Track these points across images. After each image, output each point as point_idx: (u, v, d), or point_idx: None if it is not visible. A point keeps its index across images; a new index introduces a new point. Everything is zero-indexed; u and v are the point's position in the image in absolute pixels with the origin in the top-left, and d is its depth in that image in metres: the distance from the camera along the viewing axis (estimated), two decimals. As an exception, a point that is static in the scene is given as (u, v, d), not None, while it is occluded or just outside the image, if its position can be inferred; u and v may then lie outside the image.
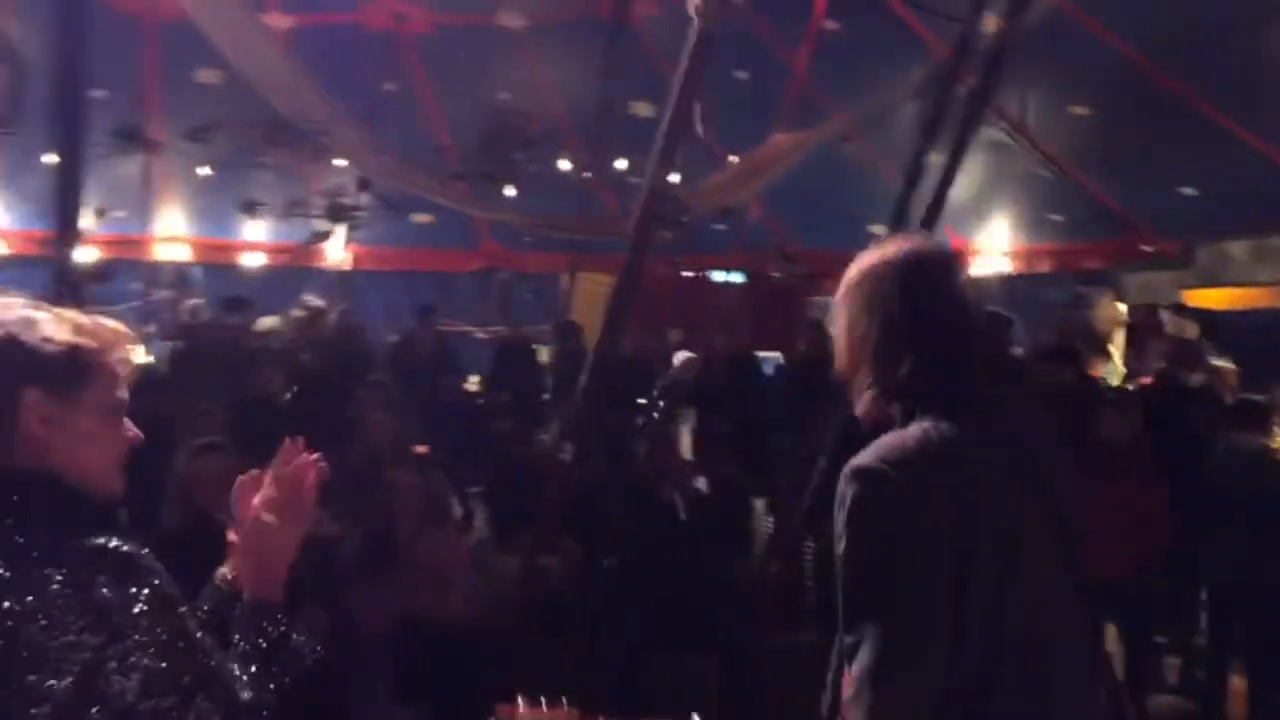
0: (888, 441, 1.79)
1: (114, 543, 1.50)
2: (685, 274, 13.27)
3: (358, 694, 3.56)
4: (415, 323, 9.73)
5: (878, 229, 6.08)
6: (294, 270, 12.71)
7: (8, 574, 1.41)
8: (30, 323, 1.54)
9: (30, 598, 1.40)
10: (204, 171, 9.21)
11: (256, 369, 7.91)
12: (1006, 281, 10.73)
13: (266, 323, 11.33)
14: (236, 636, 1.68)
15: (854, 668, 1.70)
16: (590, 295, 13.42)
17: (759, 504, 6.50)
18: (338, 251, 13.76)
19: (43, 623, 1.39)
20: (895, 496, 1.72)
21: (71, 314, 1.61)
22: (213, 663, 1.52)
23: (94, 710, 1.38)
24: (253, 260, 13.30)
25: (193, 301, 10.99)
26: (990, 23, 5.33)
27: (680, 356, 8.21)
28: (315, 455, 1.88)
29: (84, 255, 12.07)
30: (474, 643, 3.84)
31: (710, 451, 7.90)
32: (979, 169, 9.12)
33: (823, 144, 8.61)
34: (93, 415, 1.57)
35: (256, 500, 1.79)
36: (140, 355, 10.97)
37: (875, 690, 1.66)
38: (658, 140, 3.69)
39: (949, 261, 1.97)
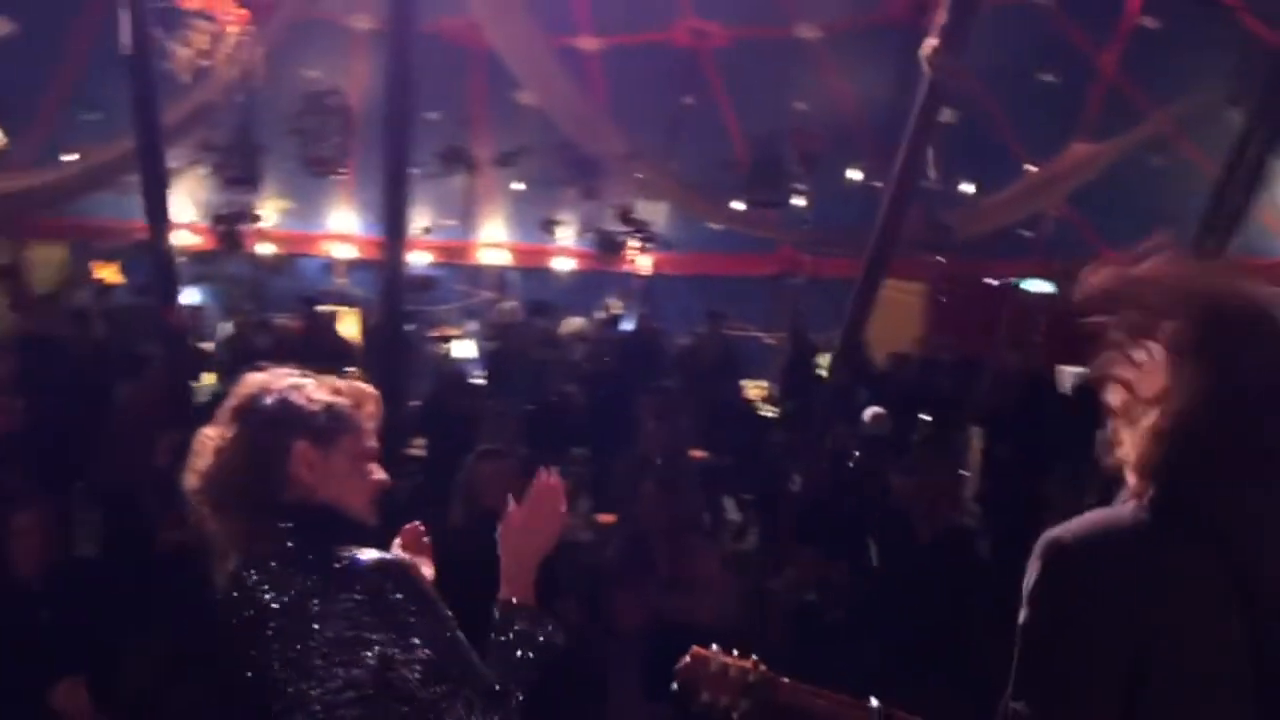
0: (1093, 518, 1.65)
1: (393, 556, 1.85)
2: (990, 282, 12.81)
3: (609, 690, 3.89)
4: (701, 327, 10.05)
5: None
6: (601, 275, 13.38)
7: (308, 586, 1.77)
8: (297, 387, 1.92)
9: (327, 603, 1.75)
10: (518, 186, 10.06)
11: (557, 369, 8.59)
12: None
13: (573, 324, 12.18)
14: (493, 632, 1.94)
15: None
16: (888, 302, 13.27)
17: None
18: (641, 257, 14.47)
19: (342, 622, 1.74)
20: (1078, 576, 1.59)
21: (330, 379, 1.98)
22: (472, 657, 1.82)
23: (387, 696, 1.72)
24: (564, 265, 14.29)
25: (507, 304, 11.93)
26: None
27: (870, 413, 7.92)
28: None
29: (417, 260, 13.57)
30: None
31: (991, 479, 7.67)
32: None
33: (1125, 153, 8.07)
34: (346, 460, 1.92)
35: (513, 509, 2.05)
36: (466, 349, 12.18)
37: None
38: (889, 185, 3.73)
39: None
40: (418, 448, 6.89)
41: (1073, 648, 1.59)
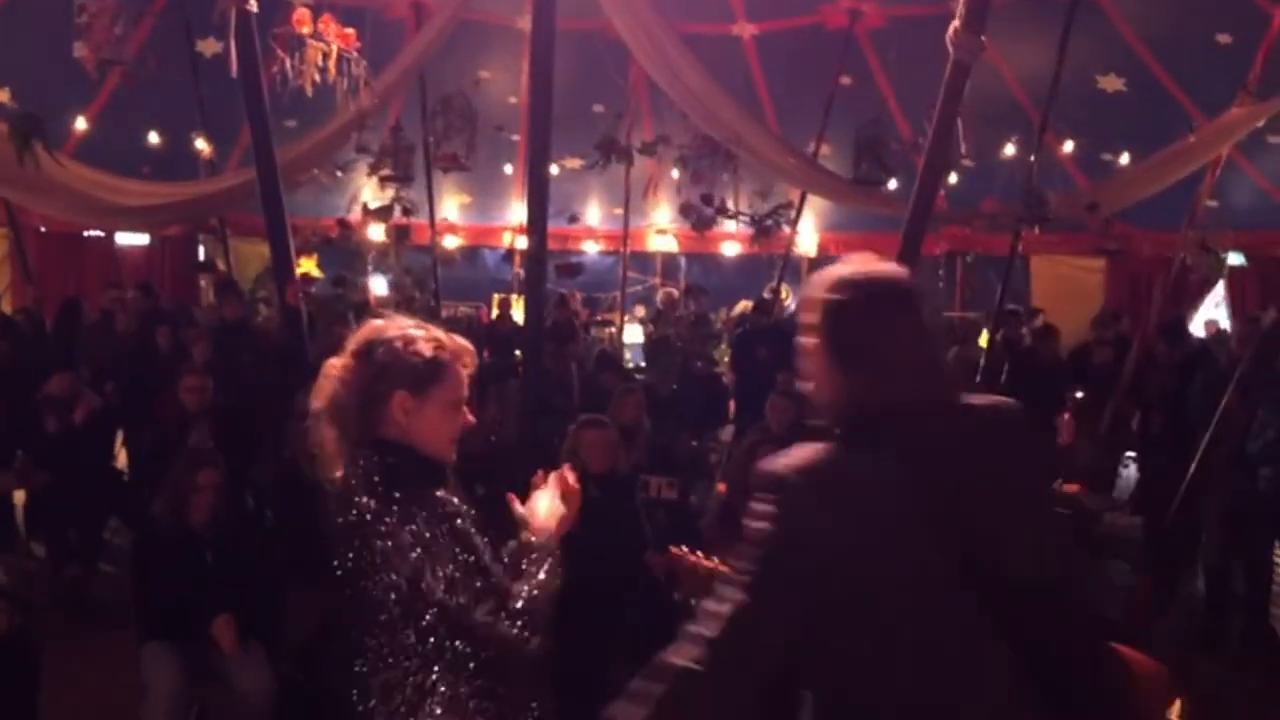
0: (800, 454, 1.84)
1: (440, 494, 2.21)
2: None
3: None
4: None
5: None
6: (768, 257, 13.49)
7: (374, 508, 2.14)
8: (408, 340, 2.26)
9: (389, 522, 2.12)
10: (674, 174, 10.35)
11: (703, 352, 8.89)
12: None
13: (740, 306, 12.43)
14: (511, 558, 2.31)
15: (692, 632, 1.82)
16: (1052, 277, 12.87)
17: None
18: (806, 240, 14.52)
19: (393, 543, 2.11)
20: (791, 500, 1.79)
21: (436, 331, 2.32)
22: (494, 578, 2.18)
23: (419, 600, 2.10)
24: (730, 249, 14.52)
25: (666, 290, 12.27)
26: None
27: None
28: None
29: (588, 248, 14.07)
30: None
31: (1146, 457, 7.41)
32: None
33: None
34: (437, 408, 2.26)
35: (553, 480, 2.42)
36: (634, 333, 12.65)
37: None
38: (924, 158, 3.81)
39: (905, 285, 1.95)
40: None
41: (778, 557, 1.78)
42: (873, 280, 1.93)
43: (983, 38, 4.47)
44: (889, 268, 1.97)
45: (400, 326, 2.29)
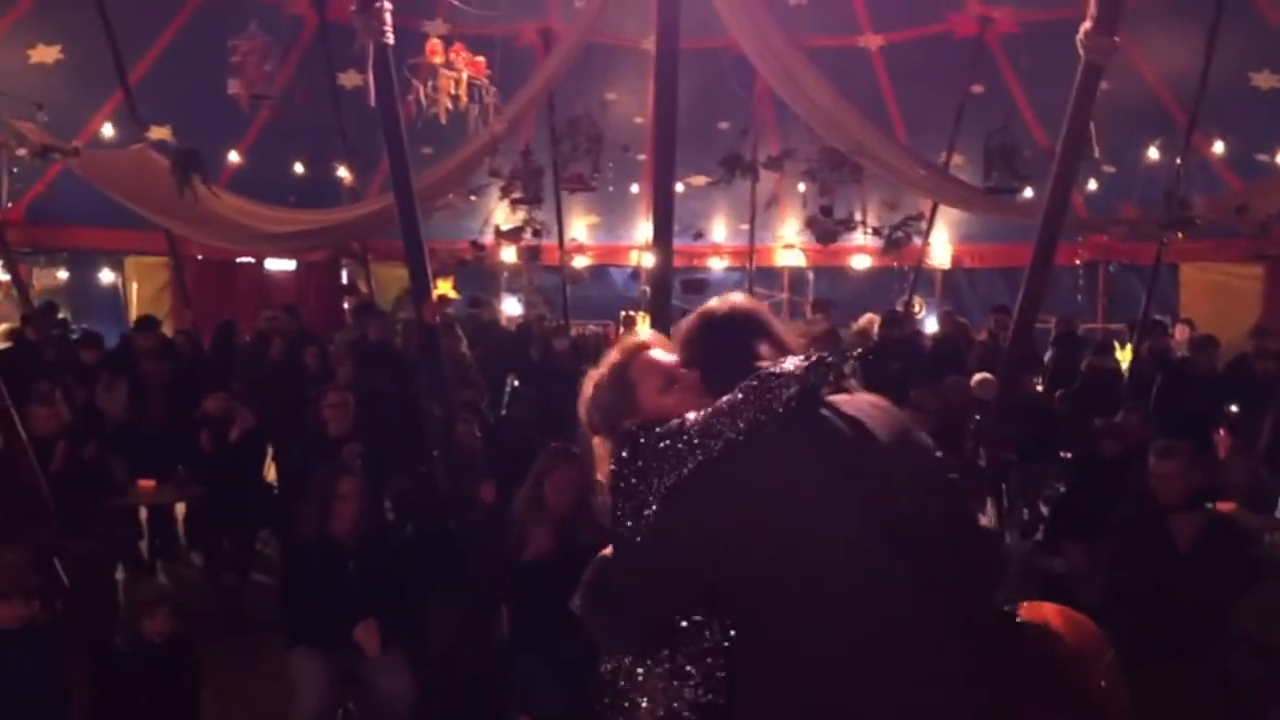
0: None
1: None
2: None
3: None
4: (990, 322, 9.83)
5: None
6: (899, 270, 13.26)
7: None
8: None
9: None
10: (800, 188, 10.32)
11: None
12: None
13: (863, 320, 12.24)
14: None
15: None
16: (1204, 286, 12.26)
17: None
18: (939, 251, 14.23)
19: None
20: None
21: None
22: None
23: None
24: (860, 262, 14.35)
25: (867, 316, 12.09)
26: None
27: (978, 378, 7.26)
28: None
29: (714, 264, 14.08)
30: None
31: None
32: None
33: None
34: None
35: None
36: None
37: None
38: (1055, 164, 3.69)
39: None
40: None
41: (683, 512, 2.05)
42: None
43: (1116, 38, 4.33)
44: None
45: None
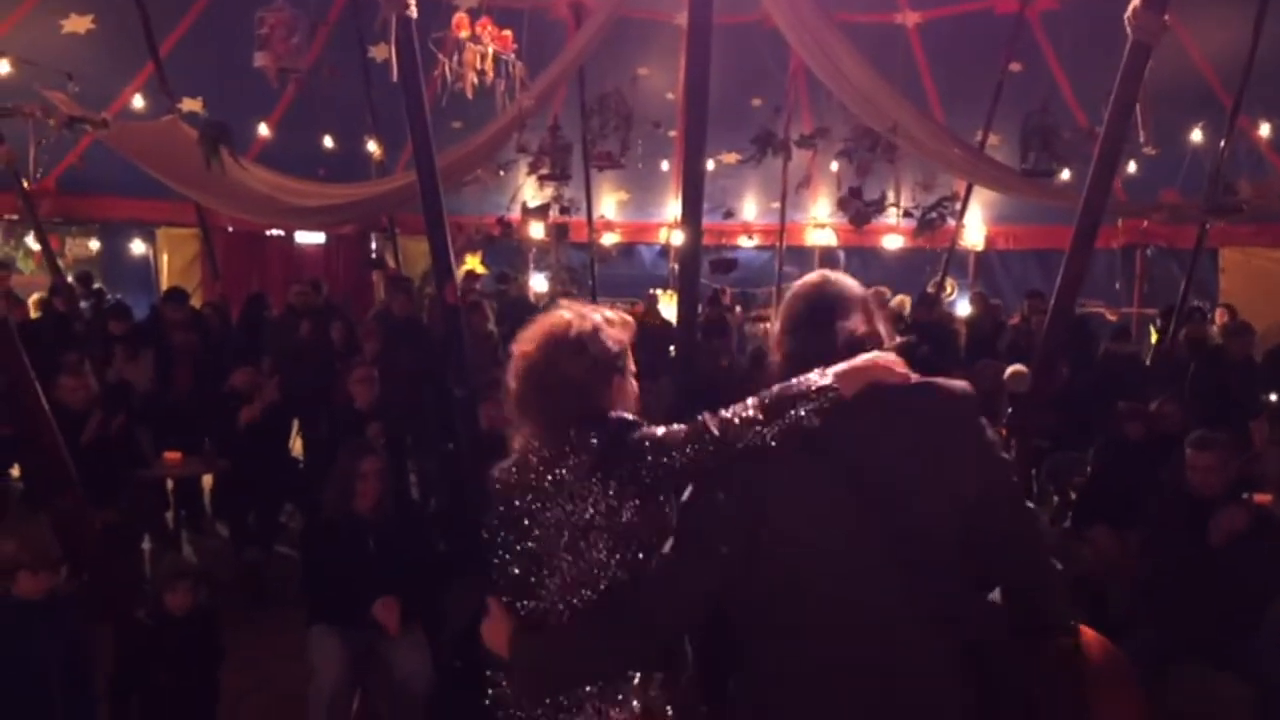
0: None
1: None
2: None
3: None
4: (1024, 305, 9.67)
5: None
6: (932, 251, 13.08)
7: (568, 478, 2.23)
8: (599, 328, 2.33)
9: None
10: (833, 167, 10.16)
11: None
12: None
13: (894, 302, 12.11)
14: None
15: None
16: (1245, 271, 12.00)
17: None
18: (973, 233, 14.04)
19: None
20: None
21: (611, 314, 2.40)
22: None
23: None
24: (892, 243, 14.17)
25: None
26: None
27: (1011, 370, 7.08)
28: None
29: (744, 242, 13.95)
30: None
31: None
32: None
33: None
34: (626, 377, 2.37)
35: None
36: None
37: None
38: (1098, 146, 3.56)
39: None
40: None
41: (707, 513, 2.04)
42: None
43: (1165, 17, 4.18)
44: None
45: (586, 313, 2.38)
